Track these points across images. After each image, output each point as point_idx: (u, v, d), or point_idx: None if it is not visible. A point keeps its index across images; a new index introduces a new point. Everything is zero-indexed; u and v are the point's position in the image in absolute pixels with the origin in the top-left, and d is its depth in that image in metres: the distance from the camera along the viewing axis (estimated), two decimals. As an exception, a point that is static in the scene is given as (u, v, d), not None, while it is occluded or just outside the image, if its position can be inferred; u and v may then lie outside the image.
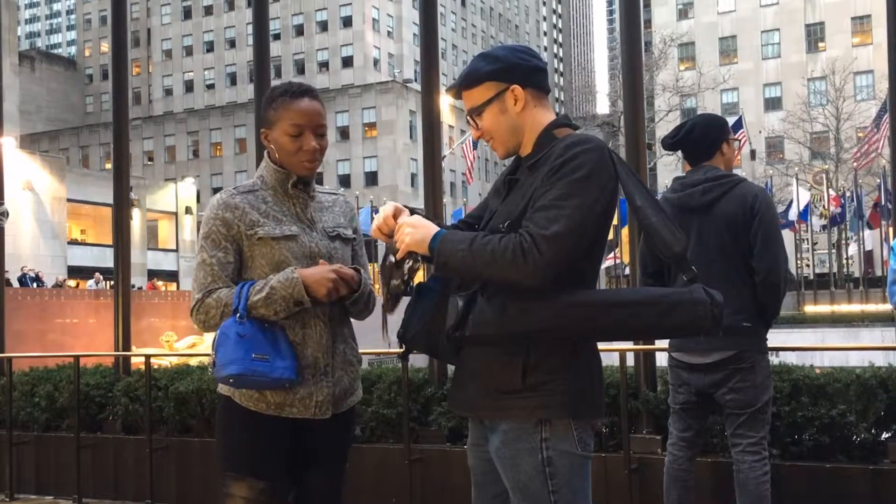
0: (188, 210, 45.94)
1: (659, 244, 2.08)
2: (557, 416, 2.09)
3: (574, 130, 2.21)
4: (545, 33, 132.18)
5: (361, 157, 61.02)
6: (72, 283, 34.87)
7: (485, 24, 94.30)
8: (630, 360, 4.90)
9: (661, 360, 4.39)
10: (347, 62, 72.20)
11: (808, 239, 44.60)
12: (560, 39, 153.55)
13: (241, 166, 63.21)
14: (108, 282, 32.06)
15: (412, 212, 2.24)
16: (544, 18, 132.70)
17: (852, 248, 41.24)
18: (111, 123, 7.28)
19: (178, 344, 15.23)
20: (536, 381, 2.08)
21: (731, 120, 28.94)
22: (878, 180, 35.68)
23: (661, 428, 4.68)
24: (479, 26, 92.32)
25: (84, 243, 42.59)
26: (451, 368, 2.81)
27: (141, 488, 6.09)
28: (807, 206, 38.48)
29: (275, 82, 4.05)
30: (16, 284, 26.82)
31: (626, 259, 25.68)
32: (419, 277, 2.27)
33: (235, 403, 2.57)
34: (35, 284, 28.80)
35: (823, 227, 41.66)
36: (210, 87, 78.41)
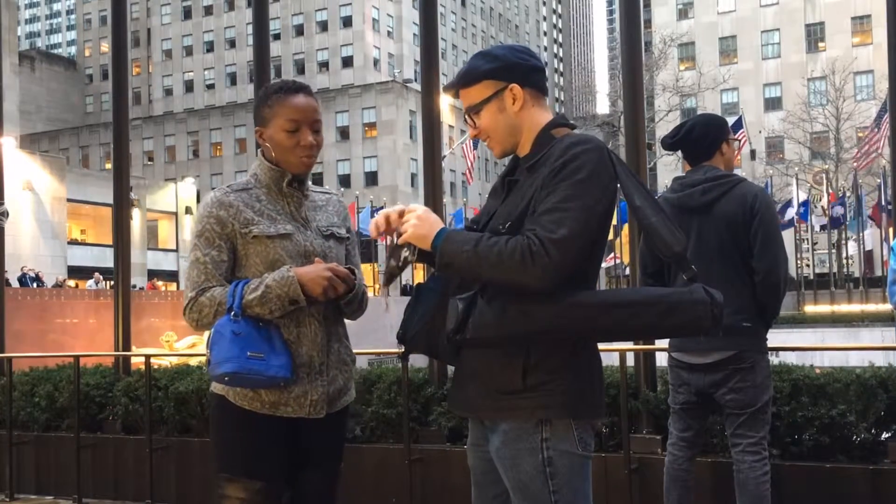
0: (188, 210, 45.94)
1: (658, 244, 2.09)
2: (558, 417, 2.09)
3: (572, 130, 2.21)
4: (545, 33, 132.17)
5: (361, 157, 61.00)
6: (72, 283, 34.86)
7: (485, 24, 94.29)
8: (630, 360, 4.90)
9: (661, 360, 4.39)
10: (347, 62, 72.19)
11: (808, 239, 44.62)
12: (560, 39, 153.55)
13: (241, 166, 63.20)
14: (107, 282, 32.06)
15: None
16: (544, 18, 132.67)
17: (852, 248, 41.25)
18: (111, 123, 7.28)
19: (178, 344, 15.23)
20: (537, 382, 2.08)
21: (731, 120, 28.97)
22: (878, 180, 35.69)
23: (661, 428, 4.68)
24: (479, 26, 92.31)
25: (84, 243, 42.61)
26: (451, 369, 2.81)
27: (141, 488, 6.09)
28: (807, 206, 38.49)
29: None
30: (16, 284, 26.82)
31: (626, 259, 25.69)
32: (419, 278, 2.28)
33: (230, 403, 2.55)
34: (35, 284, 28.80)
35: (823, 226, 41.68)
36: (210, 87, 78.41)
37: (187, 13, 79.47)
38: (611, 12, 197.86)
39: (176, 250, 46.02)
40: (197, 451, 5.94)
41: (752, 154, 54.34)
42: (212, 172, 65.86)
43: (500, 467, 2.17)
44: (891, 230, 25.32)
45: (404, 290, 34.24)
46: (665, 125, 49.04)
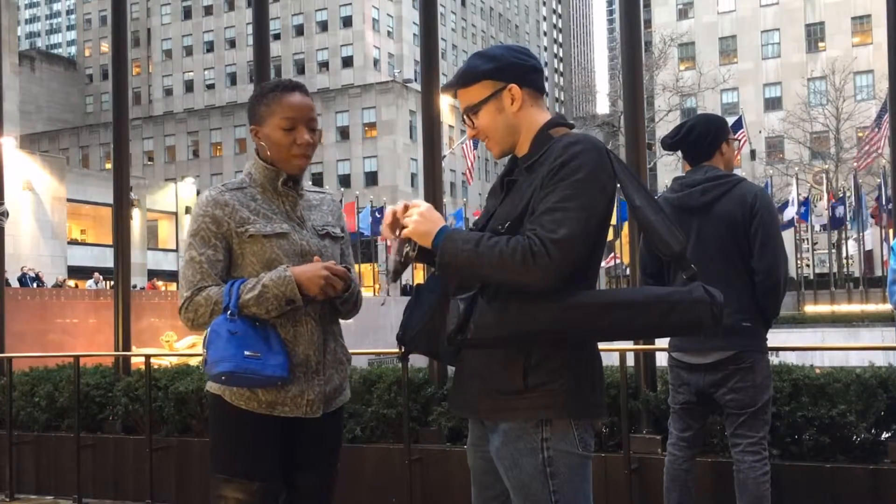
0: (188, 210, 45.84)
1: (657, 242, 2.09)
2: (558, 416, 2.09)
3: (570, 130, 2.21)
4: (545, 33, 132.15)
5: (361, 157, 60.98)
6: (72, 283, 34.86)
7: (485, 24, 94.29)
8: (630, 360, 4.90)
9: (661, 360, 4.39)
10: (347, 62, 72.19)
11: (808, 239, 44.61)
12: (560, 39, 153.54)
13: (241, 166, 62.74)
14: (107, 282, 32.06)
15: None
16: (544, 18, 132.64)
17: (852, 248, 41.24)
18: (111, 123, 7.28)
19: (178, 344, 15.24)
20: (537, 382, 2.08)
21: (731, 120, 28.96)
22: (879, 180, 35.69)
23: (661, 428, 4.68)
24: (479, 26, 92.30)
25: (84, 243, 42.62)
26: (451, 369, 2.80)
27: (141, 488, 6.09)
28: (807, 206, 38.48)
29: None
30: (16, 284, 26.81)
31: (626, 259, 25.68)
32: (419, 278, 2.28)
33: (226, 402, 2.54)
34: (35, 284, 28.79)
35: (823, 226, 41.67)
36: (210, 87, 78.40)
37: (187, 13, 79.46)
38: (611, 12, 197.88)
39: (176, 250, 45.97)
40: (197, 451, 5.94)
41: (752, 154, 54.35)
42: (212, 172, 65.84)
43: (501, 467, 2.17)
44: (891, 230, 25.31)
45: (404, 290, 34.23)
46: (665, 125, 49.05)
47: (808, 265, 46.08)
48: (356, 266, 2.79)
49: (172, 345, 15.28)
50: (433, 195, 5.67)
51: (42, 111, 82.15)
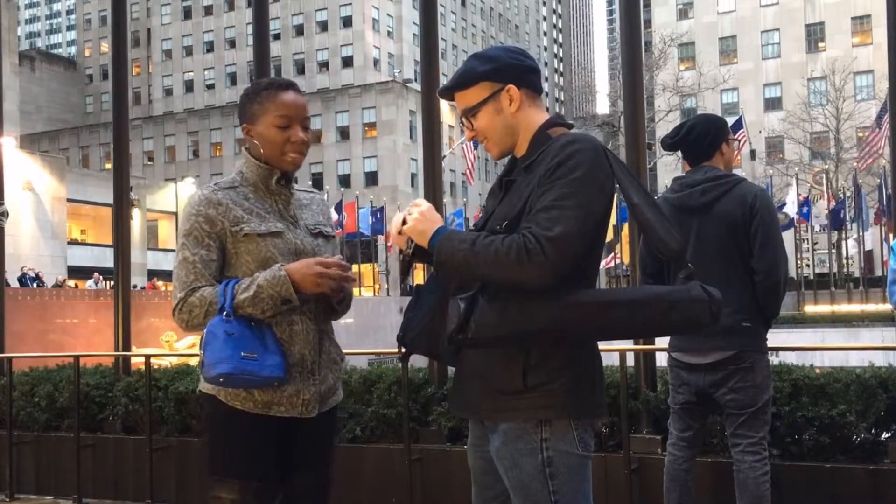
0: (188, 210, 45.87)
1: (655, 241, 2.09)
2: (558, 417, 2.09)
3: (568, 129, 2.21)
4: (545, 33, 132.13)
5: (361, 157, 60.96)
6: (72, 283, 34.86)
7: (485, 24, 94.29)
8: (630, 360, 4.90)
9: (661, 360, 4.39)
10: (347, 62, 72.18)
11: (808, 239, 44.61)
12: (560, 39, 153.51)
13: (241, 166, 63.07)
14: (107, 282, 32.07)
15: None
16: (544, 18, 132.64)
17: (852, 248, 41.25)
18: (111, 123, 7.28)
19: (178, 344, 15.24)
20: (537, 382, 2.08)
21: (731, 120, 29.00)
22: (878, 180, 35.69)
23: (661, 428, 4.68)
24: (479, 26, 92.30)
25: (84, 243, 42.64)
26: (451, 369, 2.80)
27: (141, 488, 6.09)
28: (808, 205, 38.47)
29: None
30: (16, 284, 26.81)
31: (626, 259, 25.68)
32: (419, 279, 2.28)
33: (221, 403, 2.52)
34: (35, 284, 28.78)
35: (823, 226, 41.67)
36: (210, 87, 78.40)
37: (187, 13, 79.46)
38: (611, 12, 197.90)
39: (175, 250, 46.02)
40: (197, 451, 5.94)
41: (752, 154, 54.34)
42: (212, 172, 65.79)
43: (500, 467, 2.17)
44: (891, 231, 25.31)
45: (404, 291, 34.22)
46: (665, 125, 49.05)
47: (808, 265, 46.07)
48: (355, 266, 2.79)
49: (172, 345, 15.28)
50: (433, 195, 5.67)
51: (42, 111, 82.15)
